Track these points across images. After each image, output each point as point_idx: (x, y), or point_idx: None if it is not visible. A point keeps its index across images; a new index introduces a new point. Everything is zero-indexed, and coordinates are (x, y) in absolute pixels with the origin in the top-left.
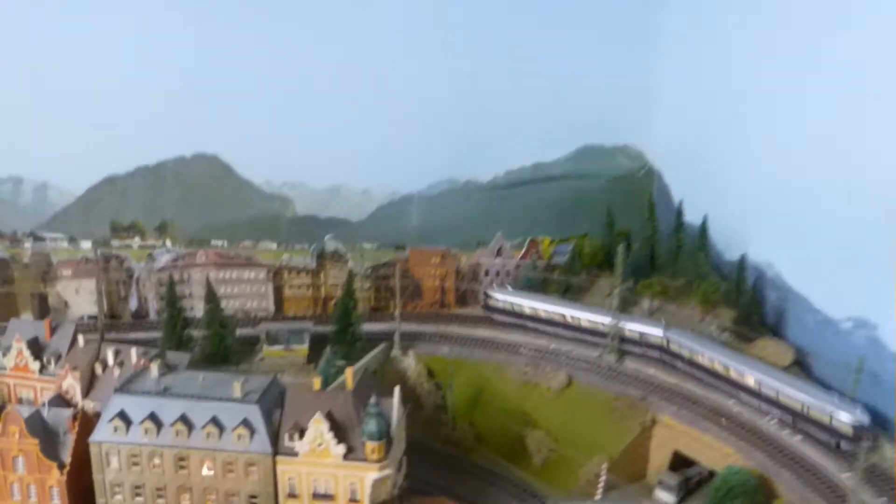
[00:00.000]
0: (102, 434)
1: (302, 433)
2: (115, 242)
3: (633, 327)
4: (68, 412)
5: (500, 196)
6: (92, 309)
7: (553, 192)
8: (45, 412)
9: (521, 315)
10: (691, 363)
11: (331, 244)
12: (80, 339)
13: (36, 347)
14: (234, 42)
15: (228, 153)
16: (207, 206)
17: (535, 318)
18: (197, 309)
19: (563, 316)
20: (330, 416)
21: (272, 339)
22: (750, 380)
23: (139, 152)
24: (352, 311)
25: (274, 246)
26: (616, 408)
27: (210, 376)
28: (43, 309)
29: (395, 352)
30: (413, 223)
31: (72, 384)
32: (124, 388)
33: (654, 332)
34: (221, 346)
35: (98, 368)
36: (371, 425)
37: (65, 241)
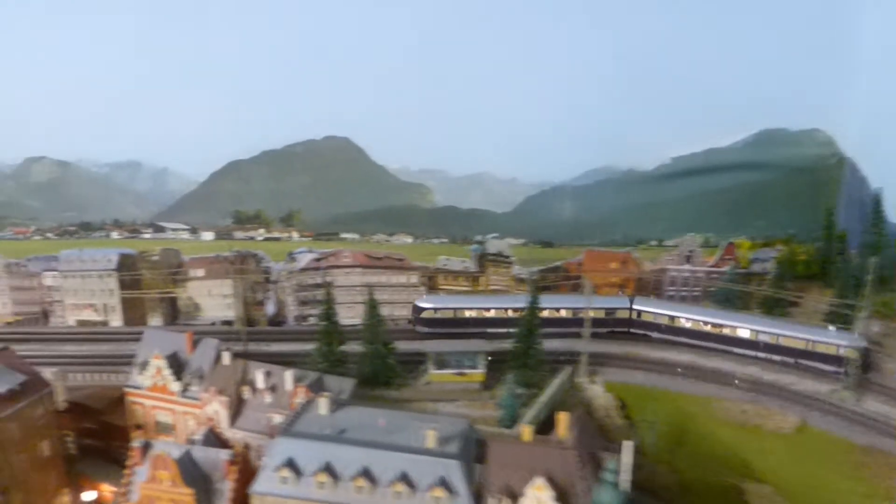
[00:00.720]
0: (267, 485)
1: (514, 498)
2: (239, 234)
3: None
4: (225, 454)
5: (663, 187)
6: (225, 313)
7: (725, 183)
8: (197, 451)
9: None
10: None
11: (494, 244)
12: (226, 356)
13: (176, 364)
14: (375, 17)
15: (362, 136)
16: (337, 195)
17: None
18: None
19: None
20: (549, 478)
21: (441, 362)
22: None
23: (265, 135)
24: (536, 327)
25: (409, 240)
26: (864, 463)
27: (393, 416)
28: (172, 313)
29: (580, 378)
30: (565, 216)
31: (217, 410)
32: (291, 429)
33: None
34: (383, 366)
35: (245, 391)
36: (606, 496)
37: (185, 232)
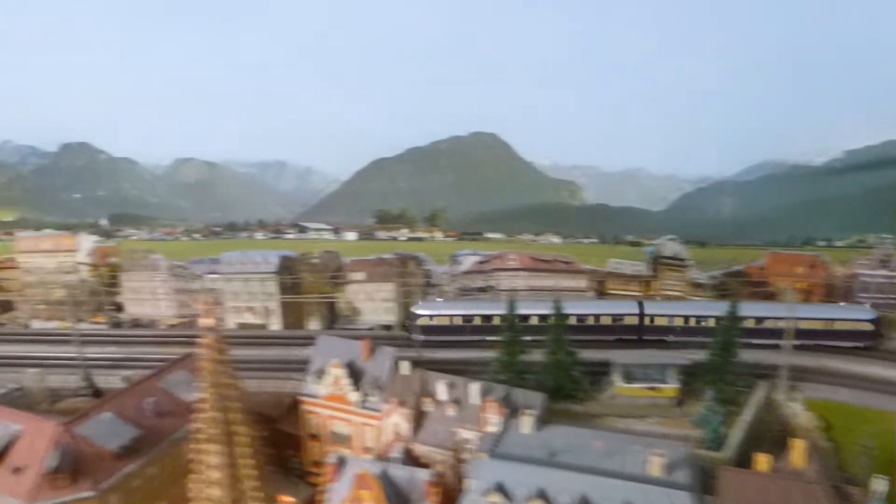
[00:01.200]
0: None
1: None
2: (381, 234)
3: None
4: (424, 474)
5: (834, 182)
6: (385, 318)
7: None
8: (395, 470)
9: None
10: None
11: (669, 247)
12: (404, 365)
13: (353, 373)
14: (525, 11)
15: (510, 131)
16: (482, 193)
17: None
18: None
19: None
20: None
21: (628, 374)
22: None
23: (411, 132)
24: (734, 338)
25: (557, 240)
26: None
27: (607, 438)
28: (331, 317)
29: (778, 394)
30: (724, 214)
31: (398, 423)
32: (497, 450)
33: None
34: (567, 378)
35: (427, 404)
36: None
37: (328, 232)
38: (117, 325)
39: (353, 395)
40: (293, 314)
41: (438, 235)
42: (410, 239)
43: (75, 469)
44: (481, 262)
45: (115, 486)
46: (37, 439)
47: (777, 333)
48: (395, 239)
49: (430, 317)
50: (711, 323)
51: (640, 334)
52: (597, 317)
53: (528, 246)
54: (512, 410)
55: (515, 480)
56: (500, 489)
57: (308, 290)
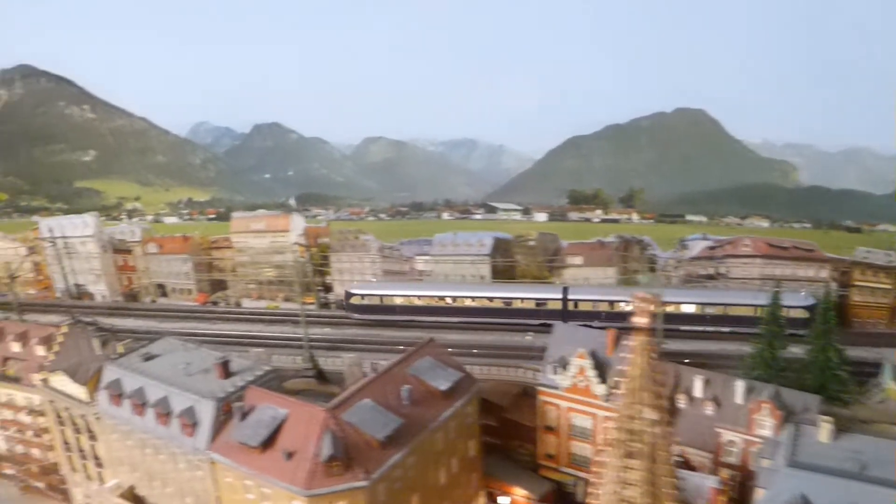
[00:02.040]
0: None
1: None
2: (573, 215)
3: None
4: (711, 481)
5: None
6: None
7: None
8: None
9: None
10: None
11: None
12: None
13: (598, 365)
14: None
15: (719, 108)
16: (685, 172)
17: None
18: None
19: None
20: None
21: None
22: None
23: (609, 109)
24: None
25: (765, 224)
26: None
27: None
28: None
29: None
30: None
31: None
32: (798, 460)
33: None
34: (834, 379)
35: (681, 400)
36: None
37: (517, 213)
38: (325, 305)
39: (599, 388)
40: None
41: (634, 217)
42: (604, 220)
43: (348, 457)
44: (712, 248)
45: (383, 476)
46: (305, 425)
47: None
48: (588, 220)
49: (362, 296)
50: None
51: (565, 318)
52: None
53: (732, 230)
54: (787, 413)
55: (821, 494)
56: (805, 503)
57: (522, 273)
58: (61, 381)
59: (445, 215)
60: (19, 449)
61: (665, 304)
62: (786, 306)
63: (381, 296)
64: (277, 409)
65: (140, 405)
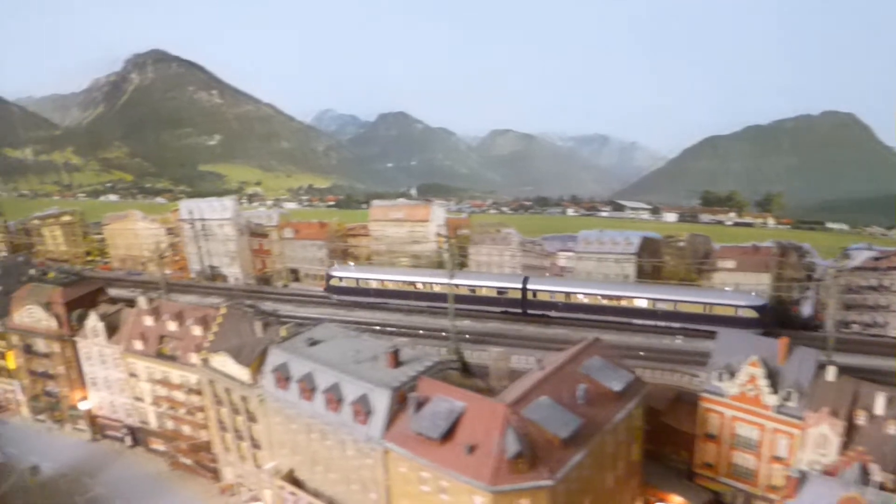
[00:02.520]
0: None
1: None
2: (705, 217)
3: None
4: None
5: None
6: None
7: None
8: (871, 496)
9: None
10: None
11: None
12: (830, 371)
13: (769, 374)
14: None
15: (870, 112)
16: (829, 178)
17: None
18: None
19: None
20: None
21: None
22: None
23: (750, 109)
24: None
25: None
26: None
27: None
28: None
29: None
30: None
31: (826, 435)
32: None
33: None
34: None
35: (859, 416)
36: None
37: (646, 212)
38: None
39: (771, 398)
40: None
41: (770, 222)
42: (737, 224)
43: (533, 455)
44: (876, 259)
45: (565, 477)
46: (485, 419)
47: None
48: (720, 223)
49: (340, 279)
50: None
51: (525, 308)
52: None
53: (876, 240)
54: None
55: None
56: None
57: (669, 274)
58: (223, 362)
59: (570, 211)
60: (170, 425)
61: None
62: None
63: (357, 279)
64: (454, 401)
65: (309, 390)
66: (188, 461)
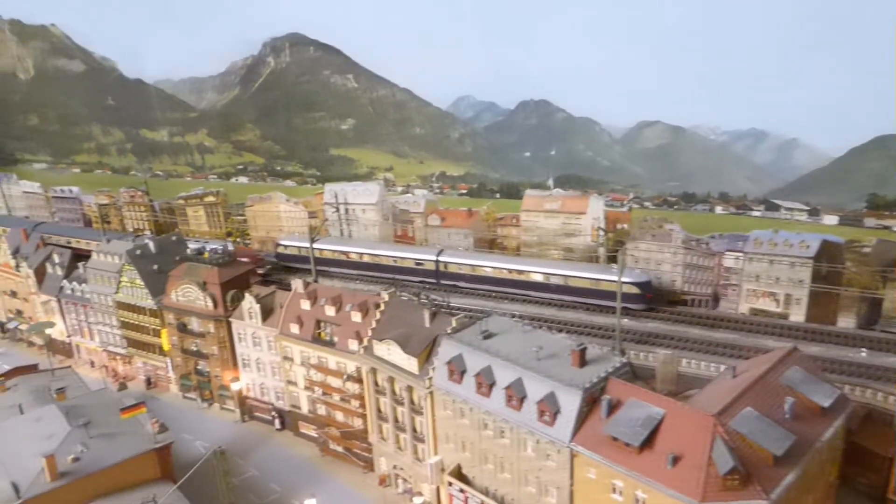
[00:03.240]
0: None
1: None
2: (870, 222)
3: None
4: None
5: None
6: None
7: None
8: None
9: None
10: None
11: None
12: None
13: None
14: None
15: None
16: None
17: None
18: None
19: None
20: None
21: None
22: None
23: None
24: None
25: None
26: None
27: None
28: (870, 315)
29: None
30: None
31: None
32: None
33: None
34: None
35: None
36: None
37: (803, 214)
38: None
39: None
40: (821, 307)
41: None
42: None
43: (746, 471)
44: None
45: (778, 497)
46: (690, 429)
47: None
48: (887, 228)
49: (285, 246)
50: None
51: (438, 278)
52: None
53: None
54: None
55: None
56: None
57: (848, 281)
58: (388, 350)
59: (719, 209)
60: (322, 411)
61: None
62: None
63: (298, 247)
64: (650, 406)
65: (488, 385)
66: (339, 448)
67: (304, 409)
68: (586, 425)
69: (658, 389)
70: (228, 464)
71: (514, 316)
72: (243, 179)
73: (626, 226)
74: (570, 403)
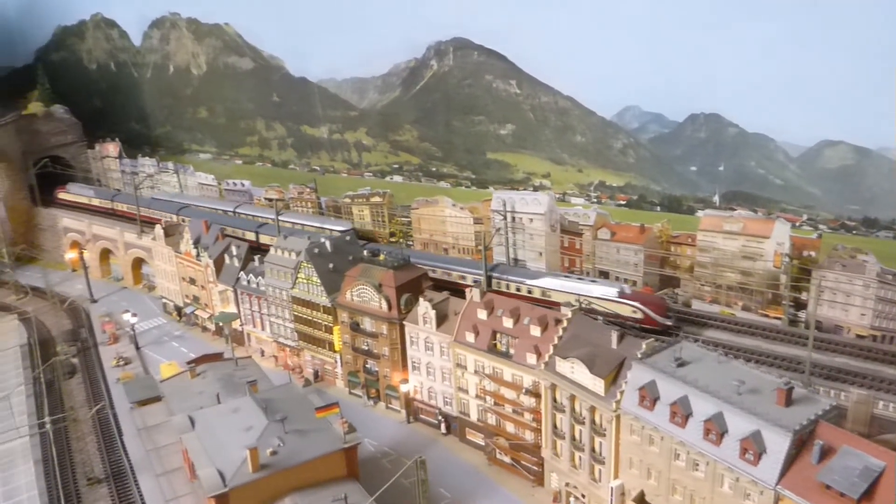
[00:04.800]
0: None
1: None
2: None
3: None
4: None
5: None
6: None
7: None
8: None
9: None
10: None
11: None
12: None
13: None
14: None
15: None
16: None
17: None
18: None
19: None
20: None
21: None
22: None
23: None
24: None
25: None
26: None
27: None
28: None
29: None
30: None
31: None
32: None
33: None
34: None
35: None
36: None
37: None
38: (792, 323)
39: None
40: None
41: None
42: None
43: None
44: None
45: None
46: None
47: None
48: None
49: None
50: None
51: None
52: None
53: None
54: None
55: None
56: None
57: None
58: (572, 369)
59: None
60: (491, 420)
61: None
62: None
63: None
64: (867, 456)
65: (684, 415)
66: (506, 458)
67: (473, 416)
68: (794, 469)
69: (849, 430)
70: (390, 462)
71: (696, 340)
72: (398, 178)
73: (813, 253)
74: (778, 444)
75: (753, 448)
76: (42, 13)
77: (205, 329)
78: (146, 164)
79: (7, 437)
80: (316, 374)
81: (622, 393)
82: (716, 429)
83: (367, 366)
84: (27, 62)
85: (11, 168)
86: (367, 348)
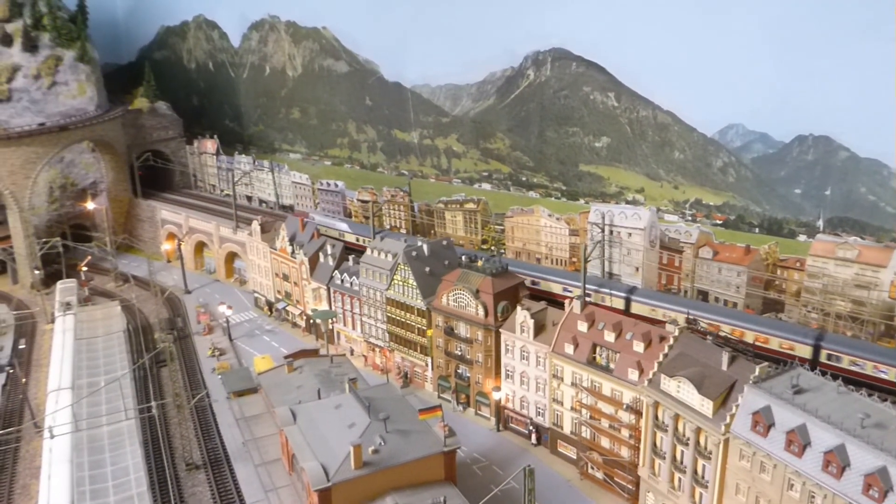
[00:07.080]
0: None
1: None
2: None
3: None
4: None
5: None
6: None
7: None
8: None
9: None
10: None
11: None
12: None
13: None
14: None
15: None
16: None
17: None
18: None
19: None
20: None
21: None
22: None
23: None
24: None
25: None
26: None
27: None
28: None
29: None
30: None
31: None
32: None
33: None
34: None
35: None
36: None
37: None
38: None
39: None
40: None
41: None
42: None
43: None
44: None
45: None
46: None
47: None
48: None
49: None
50: None
51: None
52: None
53: None
54: None
55: None
56: None
57: None
58: (678, 388)
59: None
60: (585, 434)
61: None
62: None
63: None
64: None
65: (801, 445)
66: (599, 474)
67: (567, 429)
68: None
69: None
70: (480, 469)
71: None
72: (486, 186)
73: None
74: None
75: (878, 485)
76: (147, 14)
77: (295, 325)
78: (242, 161)
79: (116, 417)
80: (406, 376)
81: (732, 416)
82: (837, 461)
83: (459, 371)
84: (130, 60)
85: (117, 160)
86: (460, 353)
